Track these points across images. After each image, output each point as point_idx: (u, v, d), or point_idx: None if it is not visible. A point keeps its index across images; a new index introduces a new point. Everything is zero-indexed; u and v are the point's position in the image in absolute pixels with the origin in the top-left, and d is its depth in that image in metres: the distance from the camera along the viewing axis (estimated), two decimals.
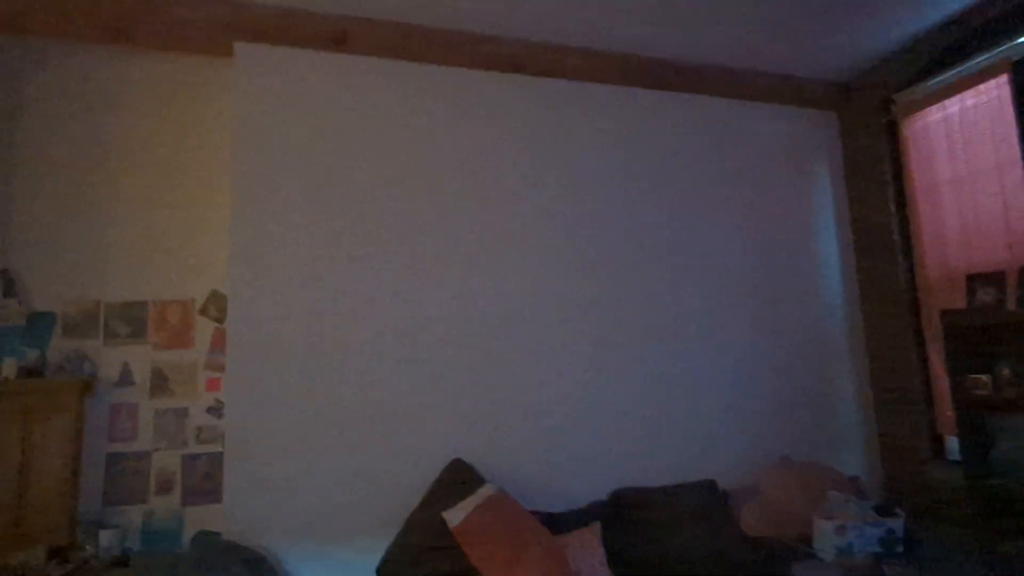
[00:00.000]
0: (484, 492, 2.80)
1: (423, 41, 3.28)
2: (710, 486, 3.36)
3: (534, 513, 2.97)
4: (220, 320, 3.27)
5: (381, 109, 3.27)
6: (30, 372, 2.99)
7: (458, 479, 2.93)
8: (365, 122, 3.24)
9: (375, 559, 2.77)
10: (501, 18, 3.22)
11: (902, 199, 3.83)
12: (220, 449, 3.15)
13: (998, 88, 3.28)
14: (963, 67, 3.41)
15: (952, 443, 3.51)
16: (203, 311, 3.28)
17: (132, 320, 3.19)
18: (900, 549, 2.86)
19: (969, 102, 3.44)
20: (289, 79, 3.15)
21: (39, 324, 3.08)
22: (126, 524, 3.03)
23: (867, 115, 4.01)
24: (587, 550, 2.76)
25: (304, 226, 3.08)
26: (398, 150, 3.27)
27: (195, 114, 3.39)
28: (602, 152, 3.64)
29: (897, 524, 2.91)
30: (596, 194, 3.58)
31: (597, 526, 2.93)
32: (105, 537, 2.86)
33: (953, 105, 3.53)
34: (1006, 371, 3.06)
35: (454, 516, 2.68)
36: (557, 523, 2.97)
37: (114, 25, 2.93)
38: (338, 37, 3.17)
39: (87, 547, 2.82)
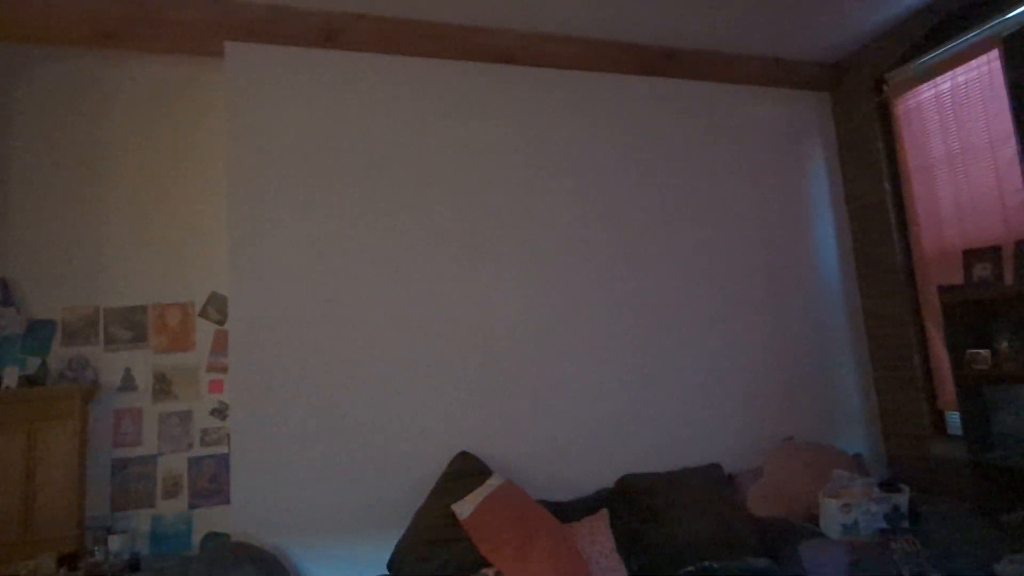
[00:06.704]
0: (492, 483, 2.82)
1: (413, 35, 3.27)
2: (715, 469, 3.39)
3: (542, 503, 2.98)
4: (221, 322, 3.26)
5: (374, 104, 3.26)
6: (31, 380, 2.98)
7: (465, 471, 2.94)
8: (358, 118, 3.23)
9: (386, 554, 2.79)
10: (490, 9, 3.21)
11: (896, 178, 3.85)
12: (225, 451, 3.15)
13: (989, 63, 3.29)
14: (953, 44, 3.42)
15: (953, 418, 3.54)
16: (203, 313, 3.27)
17: (132, 324, 3.18)
18: (906, 524, 2.89)
19: (960, 78, 3.45)
20: (281, 77, 3.14)
21: (39, 332, 3.07)
22: (135, 528, 3.03)
23: (859, 95, 4.01)
24: (596, 537, 2.78)
25: (302, 224, 3.07)
26: (393, 145, 3.26)
27: (189, 116, 3.36)
28: (595, 141, 3.63)
29: (902, 500, 2.93)
30: (591, 184, 3.58)
31: (605, 513, 2.95)
32: (114, 542, 2.86)
33: (945, 82, 3.54)
34: (1005, 345, 3.09)
35: (463, 508, 2.70)
36: (565, 512, 2.99)
37: (104, 29, 2.91)
38: (328, 33, 3.15)
39: (97, 553, 2.82)
